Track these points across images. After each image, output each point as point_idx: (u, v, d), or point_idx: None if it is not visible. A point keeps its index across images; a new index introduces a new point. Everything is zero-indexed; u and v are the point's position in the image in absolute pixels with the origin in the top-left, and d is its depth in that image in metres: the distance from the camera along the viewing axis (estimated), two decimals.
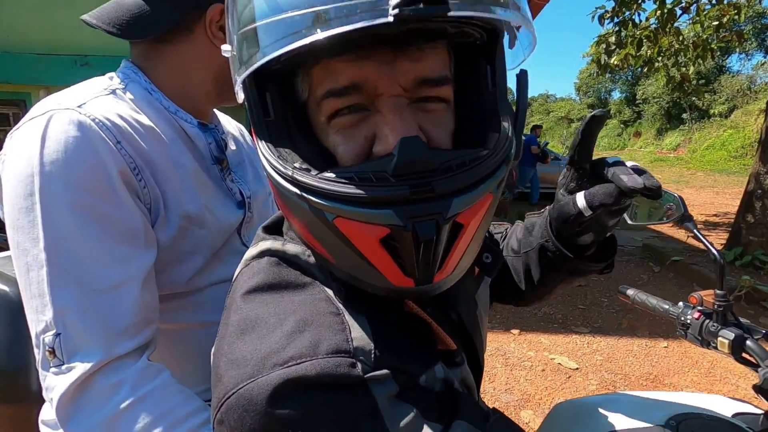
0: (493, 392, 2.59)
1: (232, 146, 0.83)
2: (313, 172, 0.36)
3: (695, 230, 0.92)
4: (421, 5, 0.29)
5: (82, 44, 5.11)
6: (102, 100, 0.63)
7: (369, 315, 0.40)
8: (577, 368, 2.85)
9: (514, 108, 0.44)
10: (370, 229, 0.34)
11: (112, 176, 0.57)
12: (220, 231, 0.71)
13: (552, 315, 3.63)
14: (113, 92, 0.65)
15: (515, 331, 3.31)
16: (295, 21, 0.32)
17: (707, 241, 0.89)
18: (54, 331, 0.54)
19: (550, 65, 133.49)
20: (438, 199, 0.34)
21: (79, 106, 0.59)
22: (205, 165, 0.73)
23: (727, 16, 5.70)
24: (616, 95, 31.82)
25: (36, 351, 0.56)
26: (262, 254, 0.46)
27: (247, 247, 0.76)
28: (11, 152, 0.58)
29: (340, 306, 0.41)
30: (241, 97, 0.40)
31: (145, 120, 0.65)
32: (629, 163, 0.58)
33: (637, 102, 27.21)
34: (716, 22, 5.78)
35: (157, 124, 0.66)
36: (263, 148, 0.39)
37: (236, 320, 0.41)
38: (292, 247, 0.45)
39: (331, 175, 0.35)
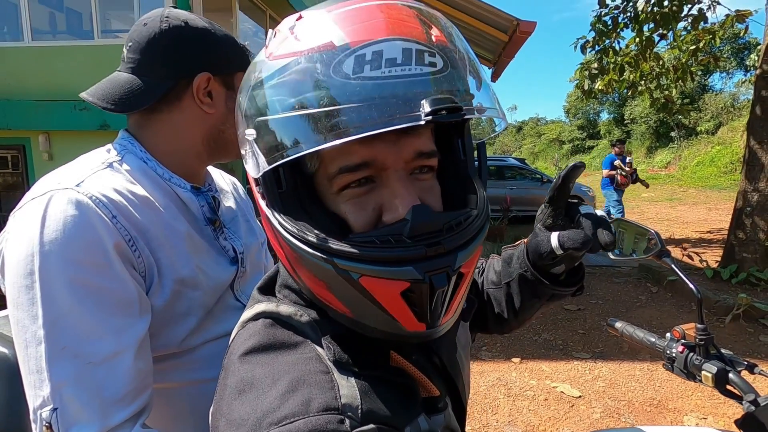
0: (496, 425, 2.55)
1: (226, 203, 0.86)
2: (335, 238, 0.41)
3: (673, 265, 0.95)
4: (445, 112, 0.37)
5: (79, 89, 5.21)
6: (99, 175, 0.66)
7: (356, 372, 0.44)
8: (580, 396, 2.82)
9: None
10: (393, 284, 0.39)
11: (107, 250, 0.60)
12: (213, 290, 0.74)
13: (552, 341, 3.61)
14: (110, 165, 0.69)
15: (516, 360, 3.29)
16: (332, 122, 0.38)
17: (685, 275, 0.92)
18: (51, 406, 0.55)
19: (540, 89, 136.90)
20: (447, 254, 0.40)
21: (77, 185, 0.62)
22: (198, 227, 0.76)
23: (703, 41, 5.93)
24: (605, 116, 32.50)
25: (33, 426, 0.57)
26: (257, 316, 0.50)
27: (240, 302, 0.79)
28: (14, 232, 0.61)
29: (330, 364, 0.44)
30: (260, 173, 0.44)
31: (140, 191, 0.68)
32: (599, 212, 0.66)
33: (626, 122, 27.79)
34: (693, 47, 6.01)
35: (152, 192, 0.70)
36: (279, 218, 0.43)
37: (234, 382, 0.44)
38: (286, 308, 0.49)
39: (355, 240, 0.40)
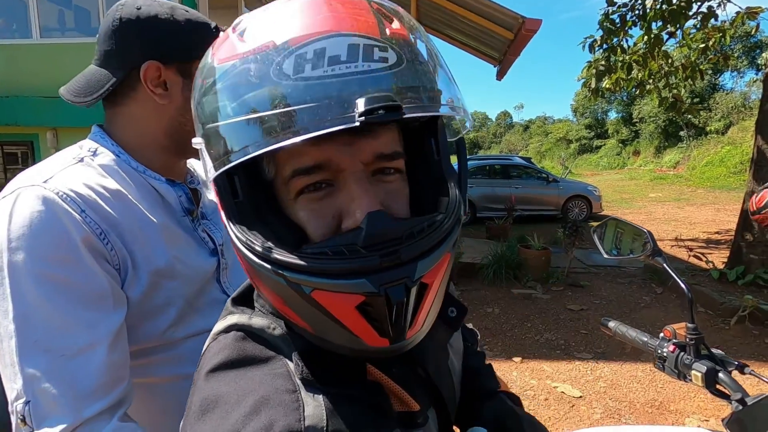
0: None
1: (209, 195, 0.86)
2: (288, 249, 0.38)
3: (665, 264, 0.95)
4: (381, 112, 0.34)
5: None
6: (69, 171, 0.67)
7: (326, 389, 0.42)
8: (581, 396, 2.80)
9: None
10: (347, 298, 0.37)
11: (76, 245, 0.60)
12: (192, 280, 0.74)
13: (554, 341, 3.59)
14: (81, 160, 0.70)
15: (517, 359, 3.28)
16: (270, 125, 0.36)
17: (676, 274, 0.91)
18: (24, 399, 0.56)
19: (547, 88, 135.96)
20: (405, 265, 0.37)
21: (44, 182, 0.63)
22: (176, 218, 0.76)
23: (713, 39, 5.84)
24: (613, 115, 32.24)
25: (12, 418, 0.57)
26: (229, 329, 0.47)
27: (227, 295, 0.79)
28: None
29: (298, 382, 0.42)
30: (210, 182, 0.43)
31: (111, 184, 0.68)
32: None
33: (634, 121, 27.54)
34: (703, 45, 5.92)
35: (125, 186, 0.70)
36: (235, 229, 0.41)
37: (198, 401, 0.42)
38: (259, 321, 0.47)
39: (307, 251, 0.38)
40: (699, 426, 2.45)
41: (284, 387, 0.41)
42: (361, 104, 0.34)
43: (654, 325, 3.78)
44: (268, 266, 0.39)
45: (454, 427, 0.60)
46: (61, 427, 0.55)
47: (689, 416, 2.56)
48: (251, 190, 0.43)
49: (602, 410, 2.66)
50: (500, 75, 6.98)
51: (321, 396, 0.41)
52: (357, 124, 0.34)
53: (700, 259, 5.14)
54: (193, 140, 0.43)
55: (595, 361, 3.25)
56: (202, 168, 0.43)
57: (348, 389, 0.43)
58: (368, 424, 0.43)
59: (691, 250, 5.53)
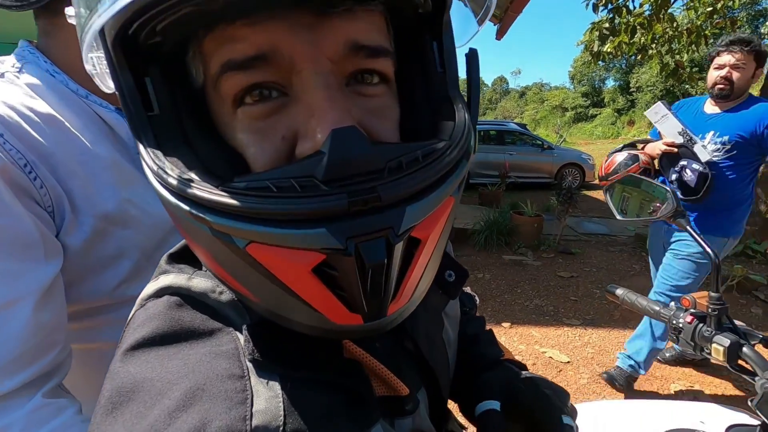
0: None
1: None
2: (214, 182, 0.26)
3: (688, 226, 0.85)
4: None
5: None
6: None
7: (286, 373, 0.31)
8: (569, 361, 2.81)
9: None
10: (298, 256, 0.26)
11: None
12: (151, 229, 0.63)
13: (543, 307, 3.59)
14: (1, 75, 0.57)
15: (506, 324, 3.27)
16: None
17: (701, 237, 0.82)
18: None
19: (545, 54, 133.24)
20: (386, 210, 0.26)
21: None
22: (130, 155, 0.63)
23: (722, 2, 5.61)
24: (610, 83, 31.86)
25: None
26: (160, 292, 0.36)
27: None
28: None
29: (248, 364, 0.31)
30: (110, 86, 0.30)
31: (42, 107, 0.56)
32: None
33: (631, 90, 27.22)
34: (710, 8, 5.70)
35: (61, 111, 0.57)
36: (145, 154, 0.29)
37: (109, 390, 0.30)
38: (201, 282, 0.35)
39: (239, 185, 0.26)
40: (682, 391, 2.48)
41: (227, 371, 0.30)
42: None
43: (643, 293, 3.79)
44: (185, 207, 0.27)
45: (450, 404, 0.51)
46: None
47: (674, 382, 2.59)
48: (172, 102, 0.30)
49: (589, 375, 2.67)
50: (500, 34, 6.67)
51: (278, 383, 0.30)
52: None
53: None
54: (67, 10, 0.30)
55: (584, 327, 3.26)
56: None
57: (316, 372, 0.32)
58: (341, 419, 0.32)
59: None
